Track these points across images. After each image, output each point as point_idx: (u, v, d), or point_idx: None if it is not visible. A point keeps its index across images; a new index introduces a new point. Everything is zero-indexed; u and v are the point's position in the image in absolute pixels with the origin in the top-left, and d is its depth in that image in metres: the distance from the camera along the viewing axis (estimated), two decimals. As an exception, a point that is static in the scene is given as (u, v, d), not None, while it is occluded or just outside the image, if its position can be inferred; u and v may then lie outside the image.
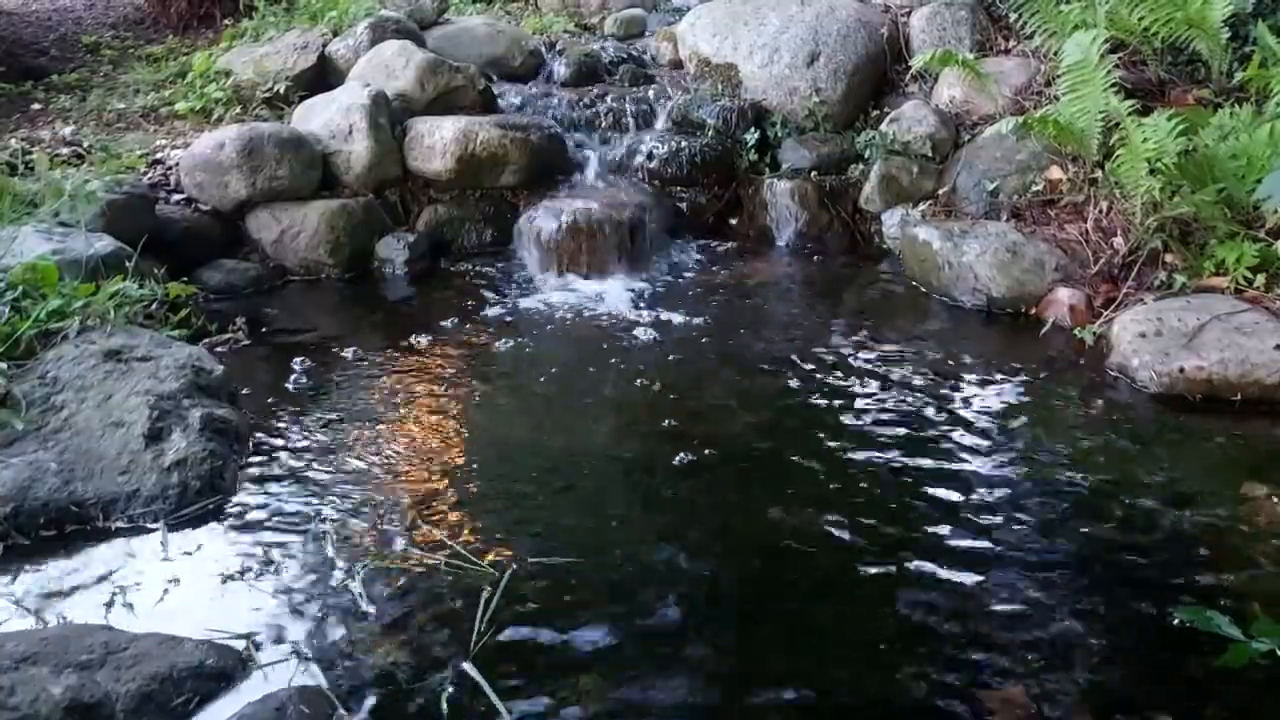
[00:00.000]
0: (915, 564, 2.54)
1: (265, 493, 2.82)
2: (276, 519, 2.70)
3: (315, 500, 2.78)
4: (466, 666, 2.11)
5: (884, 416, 3.30)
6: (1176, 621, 2.26)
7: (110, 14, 7.37)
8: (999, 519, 2.73)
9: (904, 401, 3.41)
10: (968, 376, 3.60)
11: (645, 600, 2.40)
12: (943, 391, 3.49)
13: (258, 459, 2.99)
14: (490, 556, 2.50)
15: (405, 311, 4.37)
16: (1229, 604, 2.32)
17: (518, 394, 3.55)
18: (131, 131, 5.31)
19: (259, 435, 3.12)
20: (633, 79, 5.74)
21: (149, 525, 2.62)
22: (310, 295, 4.49)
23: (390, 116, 4.92)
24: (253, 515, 2.71)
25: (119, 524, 2.61)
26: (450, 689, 2.07)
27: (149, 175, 4.74)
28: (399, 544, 2.58)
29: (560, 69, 5.76)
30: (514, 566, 2.44)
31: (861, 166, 5.07)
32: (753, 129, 5.26)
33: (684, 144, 5.16)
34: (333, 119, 4.82)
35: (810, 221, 5.03)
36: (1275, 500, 2.79)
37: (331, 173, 4.79)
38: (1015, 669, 2.16)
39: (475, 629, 2.21)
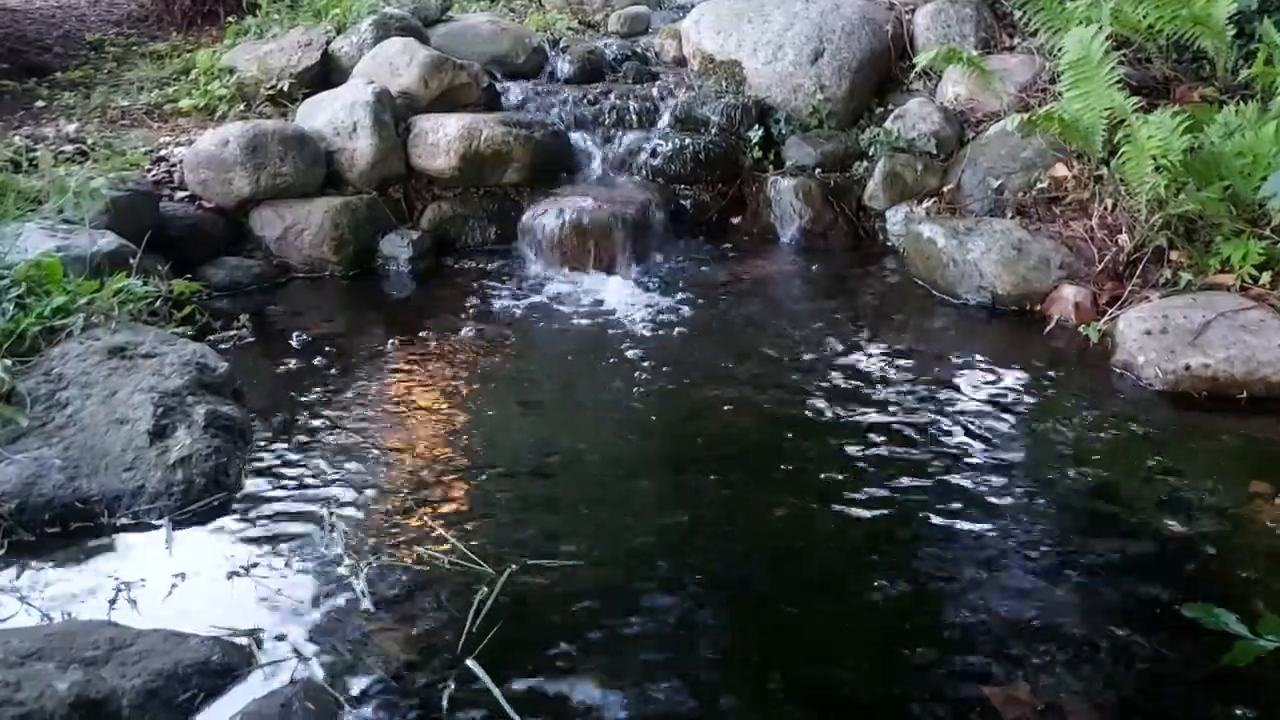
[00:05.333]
0: (919, 561, 2.54)
1: (269, 490, 2.82)
2: (280, 516, 2.70)
3: (319, 497, 2.79)
4: (471, 663, 2.11)
5: (888, 414, 3.30)
6: (1184, 618, 2.25)
7: (114, 11, 7.37)
8: (1003, 516, 2.73)
9: (908, 399, 3.41)
10: (972, 374, 3.60)
11: (647, 598, 2.40)
12: (947, 389, 3.49)
13: (261, 456, 2.99)
14: (492, 554, 2.49)
15: (409, 309, 4.37)
16: (1235, 602, 2.31)
17: (521, 391, 3.55)
18: (135, 129, 5.31)
19: (263, 432, 3.12)
20: (636, 76, 5.73)
21: (154, 522, 2.62)
22: (314, 293, 4.49)
23: (394, 114, 4.91)
24: (257, 512, 2.71)
25: (123, 521, 2.61)
26: (453, 686, 2.07)
27: (153, 172, 4.74)
28: (402, 541, 2.58)
29: (564, 66, 5.75)
30: (513, 566, 2.43)
31: (865, 164, 5.05)
32: (757, 126, 5.25)
33: (688, 141, 5.15)
34: (336, 116, 4.82)
35: (814, 219, 5.02)
36: (1281, 498, 2.79)
37: (335, 170, 4.79)
38: (1020, 667, 2.16)
39: (467, 627, 2.21)
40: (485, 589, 2.34)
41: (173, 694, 1.97)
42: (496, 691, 2.03)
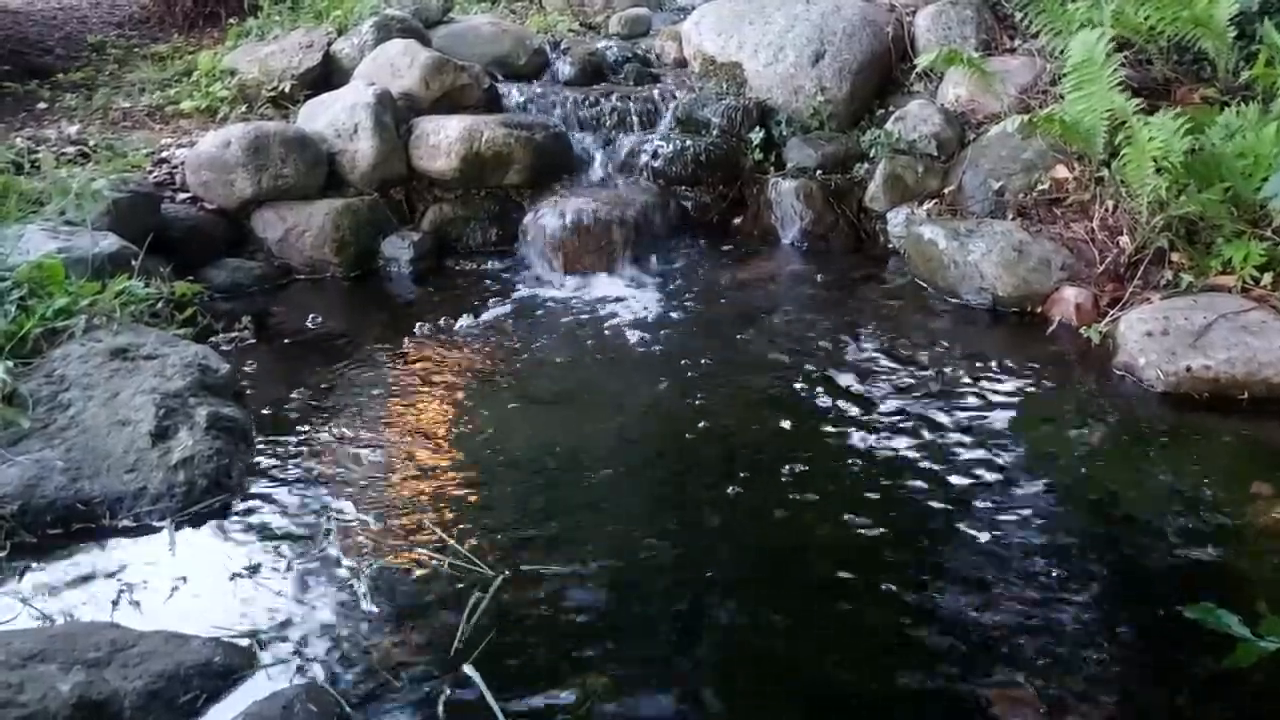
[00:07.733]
0: (921, 563, 2.54)
1: (271, 491, 2.83)
2: (282, 517, 2.70)
3: (320, 499, 2.79)
4: (468, 669, 2.10)
5: (889, 416, 3.30)
6: (1185, 619, 2.25)
7: (115, 13, 7.39)
8: (1005, 518, 2.73)
9: (909, 400, 3.40)
10: (973, 375, 3.60)
11: (646, 600, 2.40)
12: (948, 390, 3.48)
13: (263, 457, 3.00)
14: (493, 556, 2.50)
15: (410, 310, 4.37)
16: (1236, 603, 2.31)
17: (522, 394, 3.55)
18: (137, 130, 5.32)
19: (264, 433, 3.12)
20: (637, 78, 5.74)
21: (155, 523, 2.62)
22: (315, 294, 4.49)
23: (395, 115, 4.92)
24: (258, 513, 2.72)
25: (125, 522, 2.62)
26: (449, 690, 2.07)
27: (154, 174, 4.75)
28: (403, 544, 2.58)
29: (565, 68, 5.75)
30: (507, 572, 2.43)
31: (866, 165, 5.05)
32: (758, 128, 5.25)
33: (689, 143, 5.15)
34: (338, 118, 4.82)
35: (815, 220, 5.02)
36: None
37: (337, 171, 4.79)
38: (1023, 669, 2.16)
39: (466, 630, 2.21)
40: (483, 592, 2.34)
41: (175, 695, 1.97)
42: (491, 699, 2.03)
